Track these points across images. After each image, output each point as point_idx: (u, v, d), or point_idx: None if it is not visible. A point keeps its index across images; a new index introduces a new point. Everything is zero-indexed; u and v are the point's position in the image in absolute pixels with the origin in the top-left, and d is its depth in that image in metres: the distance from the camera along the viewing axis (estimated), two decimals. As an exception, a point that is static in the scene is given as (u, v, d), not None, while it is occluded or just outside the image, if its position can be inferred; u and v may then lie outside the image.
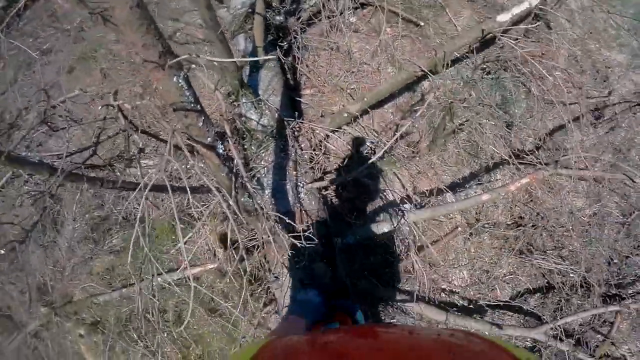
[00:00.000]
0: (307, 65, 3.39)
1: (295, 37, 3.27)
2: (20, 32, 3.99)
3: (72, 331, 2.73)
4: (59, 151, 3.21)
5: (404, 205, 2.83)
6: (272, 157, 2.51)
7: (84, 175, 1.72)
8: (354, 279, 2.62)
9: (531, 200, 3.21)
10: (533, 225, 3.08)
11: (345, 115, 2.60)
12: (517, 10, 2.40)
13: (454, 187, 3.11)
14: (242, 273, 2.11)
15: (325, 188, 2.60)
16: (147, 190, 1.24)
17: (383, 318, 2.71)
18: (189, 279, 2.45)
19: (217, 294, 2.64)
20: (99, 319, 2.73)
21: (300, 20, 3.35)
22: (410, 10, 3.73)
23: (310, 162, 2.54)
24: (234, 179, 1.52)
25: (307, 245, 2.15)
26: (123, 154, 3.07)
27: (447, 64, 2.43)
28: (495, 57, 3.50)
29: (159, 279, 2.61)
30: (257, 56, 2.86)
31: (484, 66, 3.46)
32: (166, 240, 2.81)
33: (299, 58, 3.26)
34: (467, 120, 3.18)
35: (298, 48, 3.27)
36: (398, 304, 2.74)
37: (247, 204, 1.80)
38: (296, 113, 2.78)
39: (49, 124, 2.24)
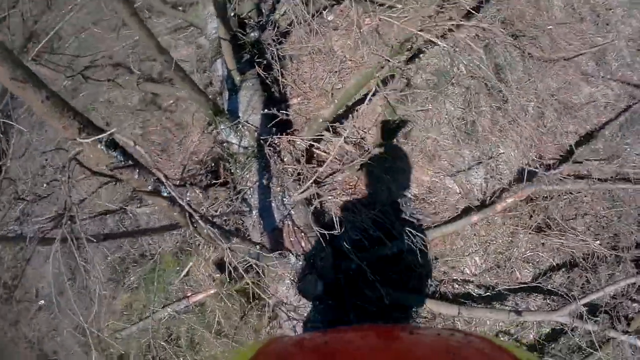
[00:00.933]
0: (291, 74, 3.37)
1: (272, 50, 3.27)
2: None
3: None
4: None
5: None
6: (256, 176, 2.53)
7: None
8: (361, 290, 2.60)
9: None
10: (545, 197, 2.88)
11: (321, 121, 2.57)
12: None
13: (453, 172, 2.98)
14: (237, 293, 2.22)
15: (317, 198, 2.58)
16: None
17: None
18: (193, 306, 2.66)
19: (222, 316, 2.76)
20: (123, 352, 2.91)
21: (275, 32, 3.35)
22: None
23: (293, 175, 2.54)
24: (188, 215, 1.57)
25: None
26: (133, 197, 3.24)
27: (411, 47, 2.36)
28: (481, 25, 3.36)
29: (168, 309, 2.78)
30: (234, 80, 2.90)
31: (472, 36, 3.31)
32: (172, 272, 2.94)
33: (279, 70, 3.26)
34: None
35: (277, 60, 3.27)
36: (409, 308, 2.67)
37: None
38: (273, 129, 2.77)
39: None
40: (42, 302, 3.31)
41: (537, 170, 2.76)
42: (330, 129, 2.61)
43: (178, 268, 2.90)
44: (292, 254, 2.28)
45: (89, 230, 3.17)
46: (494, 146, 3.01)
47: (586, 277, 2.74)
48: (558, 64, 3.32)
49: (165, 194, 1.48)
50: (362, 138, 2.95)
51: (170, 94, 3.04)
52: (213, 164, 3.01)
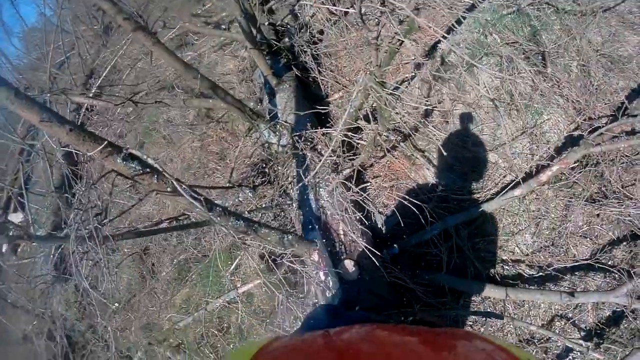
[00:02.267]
0: (331, 71, 3.49)
1: (307, 52, 3.41)
2: (94, 124, 4.75)
3: (163, 355, 3.27)
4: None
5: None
6: (296, 171, 2.68)
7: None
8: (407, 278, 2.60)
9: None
10: (598, 163, 2.66)
11: (352, 110, 2.65)
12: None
13: (496, 145, 2.91)
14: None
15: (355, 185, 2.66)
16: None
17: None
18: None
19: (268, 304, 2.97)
20: (180, 341, 3.23)
21: (308, 34, 3.49)
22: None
23: (330, 166, 2.65)
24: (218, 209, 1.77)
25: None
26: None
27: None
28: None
29: (220, 300, 3.05)
30: (271, 85, 3.08)
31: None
32: (225, 267, 3.16)
33: (317, 69, 3.39)
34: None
35: (313, 60, 3.40)
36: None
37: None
38: (308, 124, 2.90)
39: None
40: (116, 305, 3.70)
41: (584, 134, 2.58)
42: (362, 118, 2.67)
43: (230, 262, 3.14)
44: (330, 239, 2.39)
45: (155, 238, 3.50)
46: (537, 113, 2.90)
47: None
48: (598, 15, 3.10)
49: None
50: (400, 123, 2.99)
51: (216, 106, 3.27)
52: (262, 165, 3.21)
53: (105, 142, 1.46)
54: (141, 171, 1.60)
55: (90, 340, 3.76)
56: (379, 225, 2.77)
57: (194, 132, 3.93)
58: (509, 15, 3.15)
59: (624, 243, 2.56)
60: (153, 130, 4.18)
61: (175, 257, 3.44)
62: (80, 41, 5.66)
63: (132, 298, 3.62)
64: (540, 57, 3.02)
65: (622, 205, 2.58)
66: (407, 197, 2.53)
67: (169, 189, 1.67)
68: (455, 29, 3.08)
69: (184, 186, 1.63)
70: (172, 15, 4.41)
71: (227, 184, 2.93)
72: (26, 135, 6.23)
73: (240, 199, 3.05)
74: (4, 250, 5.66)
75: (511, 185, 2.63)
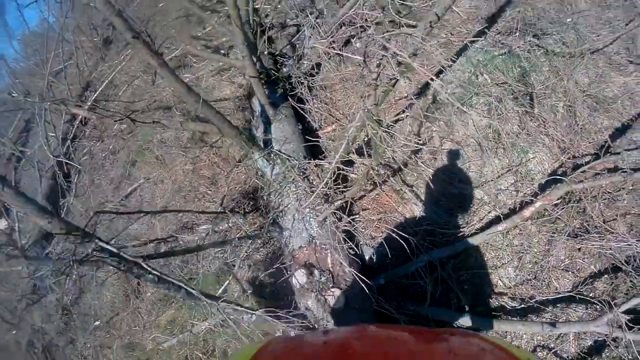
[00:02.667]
0: (325, 104, 3.57)
1: (304, 83, 3.48)
2: (89, 139, 4.76)
3: None
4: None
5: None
6: (287, 200, 2.73)
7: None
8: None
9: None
10: (580, 199, 2.77)
11: (344, 142, 2.72)
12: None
13: (482, 182, 2.99)
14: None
15: (345, 217, 2.72)
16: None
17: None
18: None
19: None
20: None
21: (306, 65, 3.57)
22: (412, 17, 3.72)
23: (321, 197, 2.70)
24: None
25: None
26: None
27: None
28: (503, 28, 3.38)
29: (206, 323, 3.05)
30: (267, 112, 3.15)
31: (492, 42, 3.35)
32: (212, 291, 3.12)
33: (312, 100, 3.47)
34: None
35: (309, 91, 3.48)
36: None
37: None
38: (302, 155, 2.97)
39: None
40: (98, 322, 3.71)
41: (568, 171, 2.70)
42: (354, 152, 2.74)
43: (218, 286, 3.13)
44: (317, 269, 2.44)
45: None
46: (522, 152, 2.99)
47: (631, 281, 2.55)
48: (586, 57, 3.22)
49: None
50: (386, 163, 3.07)
51: (211, 131, 3.32)
52: (253, 193, 3.25)
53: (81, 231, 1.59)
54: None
55: (70, 356, 3.73)
56: (366, 257, 2.83)
57: (187, 154, 3.96)
58: (500, 57, 3.26)
59: (605, 275, 2.63)
60: (146, 149, 4.20)
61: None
62: (80, 52, 5.67)
63: (115, 316, 3.60)
64: (528, 98, 3.12)
65: (604, 239, 2.66)
66: (394, 229, 2.59)
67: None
68: (446, 69, 3.19)
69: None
70: (172, 36, 4.46)
71: (219, 209, 2.97)
72: (17, 141, 6.23)
73: (230, 225, 3.09)
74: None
75: (495, 220, 2.74)
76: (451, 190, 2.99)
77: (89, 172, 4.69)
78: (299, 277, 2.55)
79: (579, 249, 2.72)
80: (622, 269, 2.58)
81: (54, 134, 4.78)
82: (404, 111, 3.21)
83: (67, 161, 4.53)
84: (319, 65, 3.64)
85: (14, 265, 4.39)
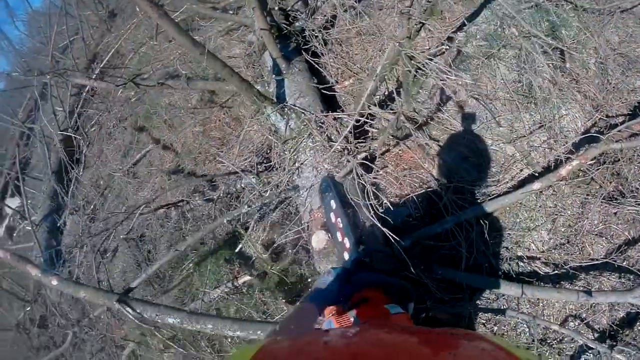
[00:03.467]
0: (341, 57, 3.25)
1: (319, 36, 3.18)
2: (96, 109, 4.45)
3: (156, 346, 2.97)
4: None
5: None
6: (304, 156, 2.43)
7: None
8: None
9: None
10: (617, 160, 2.49)
11: (366, 95, 2.42)
12: None
13: (513, 138, 2.68)
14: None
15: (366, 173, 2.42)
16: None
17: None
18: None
19: (269, 297, 2.67)
20: (174, 333, 2.86)
21: (321, 19, 3.27)
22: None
23: (340, 152, 2.41)
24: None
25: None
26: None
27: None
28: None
29: (218, 290, 2.75)
30: (279, 67, 2.84)
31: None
32: (223, 256, 2.91)
33: (328, 54, 3.16)
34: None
35: (324, 45, 3.17)
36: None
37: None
38: (319, 108, 2.66)
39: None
40: None
41: (603, 130, 2.43)
42: (376, 104, 2.42)
43: (230, 252, 2.86)
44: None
45: (152, 224, 3.23)
46: (555, 108, 2.67)
47: None
48: (615, 16, 2.91)
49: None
50: (415, 111, 2.76)
51: (219, 89, 3.02)
52: (267, 150, 2.95)
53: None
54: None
55: (83, 328, 3.46)
56: (389, 217, 2.53)
57: (196, 116, 3.65)
58: (527, 10, 2.94)
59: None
60: (154, 114, 3.89)
61: (172, 245, 3.16)
62: (85, 25, 5.39)
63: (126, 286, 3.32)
64: (558, 52, 2.82)
65: (640, 204, 2.38)
66: (420, 187, 2.30)
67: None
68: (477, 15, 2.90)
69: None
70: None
71: (230, 170, 2.68)
72: (26, 120, 5.98)
73: (243, 186, 2.80)
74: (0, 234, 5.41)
75: (528, 179, 2.45)
76: (480, 145, 2.67)
77: (98, 143, 4.40)
78: (317, 239, 2.26)
79: (615, 214, 2.46)
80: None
81: (61, 108, 4.52)
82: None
83: (74, 135, 4.28)
84: (334, 18, 3.31)
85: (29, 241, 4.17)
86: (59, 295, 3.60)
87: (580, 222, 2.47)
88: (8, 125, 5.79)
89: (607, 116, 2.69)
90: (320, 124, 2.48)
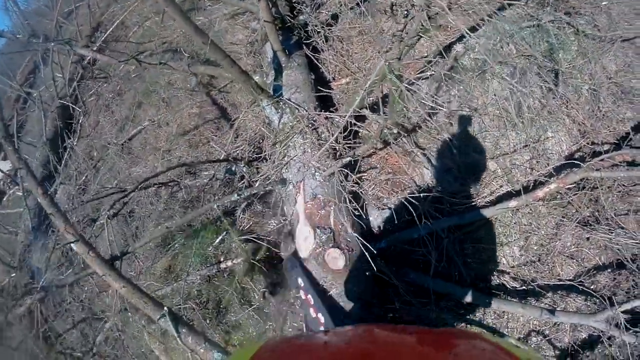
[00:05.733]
0: (341, 55, 3.33)
1: (321, 32, 3.27)
2: (96, 79, 4.52)
3: (138, 322, 3.10)
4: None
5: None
6: (294, 152, 2.53)
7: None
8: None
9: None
10: (595, 187, 2.59)
11: (360, 95, 2.52)
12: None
13: (497, 154, 2.80)
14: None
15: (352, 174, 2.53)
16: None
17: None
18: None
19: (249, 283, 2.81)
20: None
21: (324, 15, 3.35)
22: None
23: (329, 151, 2.50)
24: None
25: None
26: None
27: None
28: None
29: (201, 272, 2.88)
30: (278, 59, 2.93)
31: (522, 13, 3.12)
32: (209, 240, 3.00)
33: (328, 50, 3.25)
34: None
35: (326, 41, 3.25)
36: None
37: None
38: (312, 105, 2.74)
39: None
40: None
41: (586, 157, 2.53)
42: (368, 107, 2.52)
43: (215, 236, 2.96)
44: (318, 227, 2.25)
45: (142, 202, 3.33)
46: (542, 129, 2.79)
47: (633, 280, 2.45)
48: (616, 44, 2.99)
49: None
50: (406, 117, 2.86)
51: (218, 75, 3.11)
52: (259, 141, 3.05)
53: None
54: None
55: (66, 298, 3.57)
56: (370, 218, 2.65)
57: (194, 98, 3.75)
58: (528, 29, 3.03)
59: (609, 270, 2.52)
60: (153, 91, 3.99)
61: (161, 224, 3.26)
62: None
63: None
64: (553, 75, 2.91)
65: (613, 232, 2.53)
66: (401, 192, 2.41)
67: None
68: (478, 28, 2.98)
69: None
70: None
71: (222, 156, 2.78)
72: (24, 83, 6.01)
73: (231, 174, 2.91)
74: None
75: (506, 195, 2.59)
76: (464, 159, 2.78)
77: (94, 113, 4.48)
78: (299, 233, 2.38)
79: (587, 239, 2.59)
80: (627, 267, 2.47)
81: (61, 75, 4.58)
82: (426, 68, 2.96)
83: (72, 105, 4.34)
84: (337, 16, 3.40)
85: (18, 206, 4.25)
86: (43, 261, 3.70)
87: (553, 242, 2.60)
88: (6, 88, 5.82)
89: (592, 143, 2.80)
90: (312, 122, 2.58)
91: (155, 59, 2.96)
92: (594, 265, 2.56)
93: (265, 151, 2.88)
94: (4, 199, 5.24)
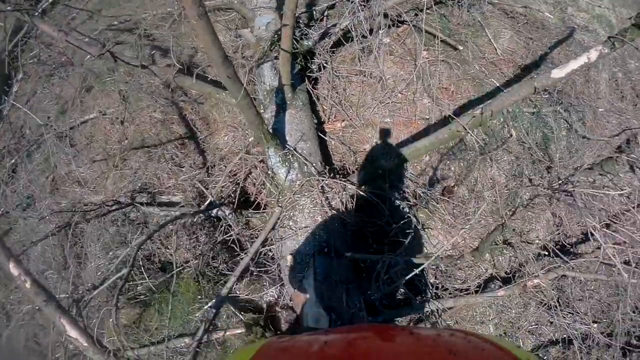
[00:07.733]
0: (337, 93, 3.14)
1: (324, 64, 3.03)
2: (38, 40, 3.72)
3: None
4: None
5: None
6: (300, 216, 2.30)
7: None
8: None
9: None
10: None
11: (380, 171, 2.39)
12: (574, 65, 2.14)
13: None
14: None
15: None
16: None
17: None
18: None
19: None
20: None
21: (330, 44, 3.10)
22: (447, 30, 3.43)
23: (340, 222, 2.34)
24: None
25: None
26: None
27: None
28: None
29: (185, 340, 2.42)
30: (283, 94, 2.64)
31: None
32: (192, 298, 2.56)
33: (329, 85, 3.04)
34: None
35: (329, 74, 3.03)
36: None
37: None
38: (320, 162, 2.57)
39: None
40: None
41: (562, 256, 2.67)
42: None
43: (199, 297, 2.52)
44: None
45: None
46: (527, 222, 2.93)
47: (580, 357, 2.65)
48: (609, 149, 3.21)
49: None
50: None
51: (211, 96, 2.71)
52: (255, 186, 2.73)
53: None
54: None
55: None
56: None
57: (158, 100, 3.21)
58: (528, 114, 3.15)
59: (560, 345, 2.75)
60: (109, 78, 3.37)
61: (112, 250, 2.76)
62: None
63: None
64: (543, 165, 3.02)
65: (569, 316, 2.77)
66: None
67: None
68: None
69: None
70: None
71: (208, 196, 2.44)
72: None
73: (213, 215, 2.53)
74: None
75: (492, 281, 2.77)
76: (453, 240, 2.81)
77: (32, 80, 3.70)
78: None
79: (551, 323, 2.81)
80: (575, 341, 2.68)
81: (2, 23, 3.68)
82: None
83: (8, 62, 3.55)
84: (337, 45, 3.20)
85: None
86: None
87: (519, 320, 2.80)
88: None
89: (566, 236, 2.97)
90: (324, 184, 2.38)
91: (136, 58, 2.47)
92: (549, 340, 2.81)
93: (260, 201, 2.58)
94: None
